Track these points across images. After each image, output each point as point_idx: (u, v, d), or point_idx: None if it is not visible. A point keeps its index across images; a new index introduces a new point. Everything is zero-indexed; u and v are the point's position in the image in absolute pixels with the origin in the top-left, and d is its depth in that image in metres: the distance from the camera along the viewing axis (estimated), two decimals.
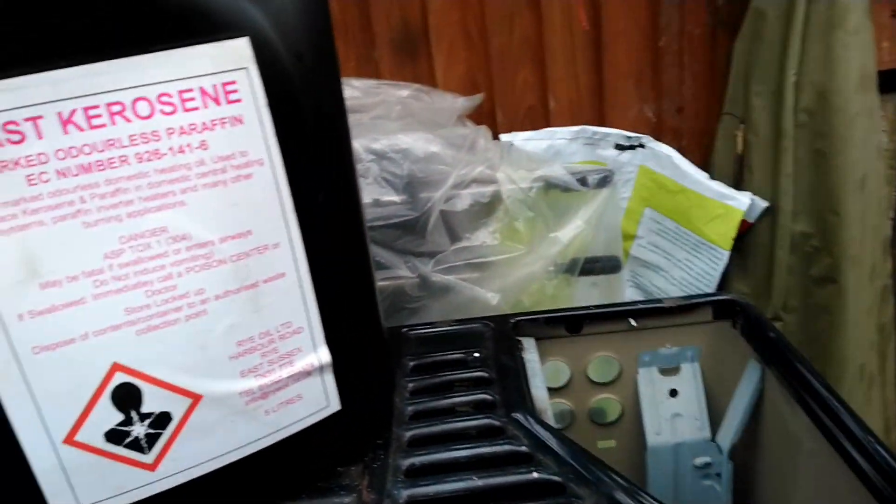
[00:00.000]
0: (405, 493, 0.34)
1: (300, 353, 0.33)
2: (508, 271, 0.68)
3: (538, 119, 0.93)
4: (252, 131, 0.30)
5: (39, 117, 0.26)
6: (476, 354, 0.46)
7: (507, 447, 0.36)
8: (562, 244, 0.69)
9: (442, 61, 0.89)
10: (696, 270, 0.87)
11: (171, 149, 0.28)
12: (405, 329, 0.50)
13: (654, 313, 0.52)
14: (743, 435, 0.49)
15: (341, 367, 0.34)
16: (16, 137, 0.26)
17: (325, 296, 0.33)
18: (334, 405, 0.34)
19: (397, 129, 0.71)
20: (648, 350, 0.53)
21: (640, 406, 0.54)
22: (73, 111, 0.26)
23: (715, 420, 0.53)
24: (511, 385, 0.42)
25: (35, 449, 0.28)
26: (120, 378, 0.28)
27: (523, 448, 0.36)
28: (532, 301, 0.72)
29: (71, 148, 0.26)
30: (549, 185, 0.70)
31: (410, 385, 0.43)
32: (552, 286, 0.71)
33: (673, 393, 0.54)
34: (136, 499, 0.30)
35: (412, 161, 0.67)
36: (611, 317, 0.52)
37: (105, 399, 0.28)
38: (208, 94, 0.29)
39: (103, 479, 0.29)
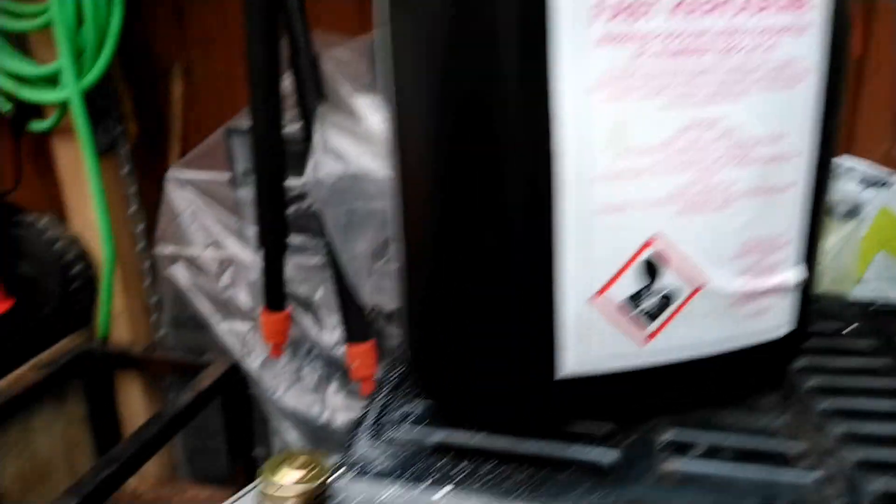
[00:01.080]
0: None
1: (783, 266, 0.34)
2: None
3: None
4: (811, 41, 0.31)
5: None
6: None
7: None
8: None
9: None
10: None
11: (745, 47, 0.31)
12: None
13: None
14: None
15: (805, 287, 0.35)
16: (642, 10, 0.29)
17: (814, 214, 0.34)
18: (791, 324, 0.36)
19: None
20: None
21: None
22: None
23: None
24: None
25: (566, 300, 0.31)
26: (653, 249, 0.31)
27: None
28: None
29: (671, 34, 0.29)
30: None
31: None
32: None
33: None
34: (621, 367, 0.33)
35: None
36: None
37: (637, 265, 0.31)
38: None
39: (604, 342, 0.32)
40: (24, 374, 0.90)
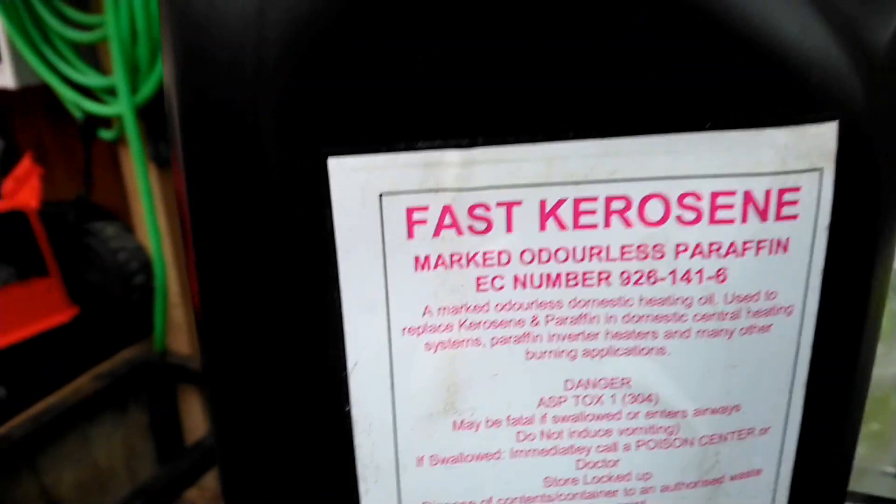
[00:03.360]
0: None
1: None
2: None
3: None
4: (793, 265, 0.20)
5: (517, 203, 0.19)
6: None
7: None
8: None
9: None
10: None
11: (672, 272, 0.19)
12: None
13: None
14: None
15: None
16: (481, 226, 0.19)
17: None
18: None
19: None
20: None
21: None
22: (562, 202, 0.19)
23: None
24: None
25: None
26: None
27: None
28: (867, 410, 0.58)
29: (542, 250, 0.19)
30: None
31: None
32: None
33: None
34: None
35: None
36: None
37: None
38: (755, 202, 0.19)
39: None
40: (84, 383, 0.94)
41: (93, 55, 0.93)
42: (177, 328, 1.03)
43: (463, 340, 0.20)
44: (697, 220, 0.19)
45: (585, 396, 0.20)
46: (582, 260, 0.19)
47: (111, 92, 0.90)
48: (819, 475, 0.24)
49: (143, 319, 1.01)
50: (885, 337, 0.58)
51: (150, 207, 0.92)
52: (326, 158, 0.17)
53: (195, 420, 1.08)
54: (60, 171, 1.07)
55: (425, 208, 0.18)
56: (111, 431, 0.99)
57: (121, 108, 0.87)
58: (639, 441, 0.21)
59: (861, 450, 0.62)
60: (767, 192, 0.19)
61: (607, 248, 0.19)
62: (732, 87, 0.18)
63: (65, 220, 0.98)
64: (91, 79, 0.91)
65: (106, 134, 0.96)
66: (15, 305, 0.93)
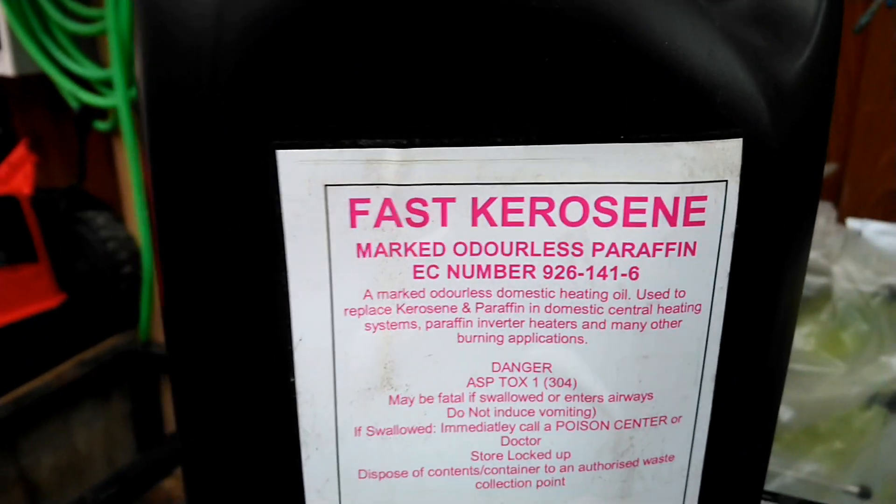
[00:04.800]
0: None
1: None
2: (813, 386, 0.59)
3: (894, 209, 0.74)
4: (701, 266, 0.22)
5: (451, 200, 0.21)
6: None
7: None
8: (893, 373, 0.57)
9: None
10: None
11: (590, 269, 0.22)
12: None
13: None
14: None
15: None
16: (418, 219, 0.21)
17: (711, 494, 0.25)
18: None
19: None
20: None
21: None
22: (492, 200, 0.21)
23: None
24: None
25: None
26: None
27: None
28: (830, 429, 0.61)
29: (474, 243, 0.21)
30: None
31: None
32: (862, 419, 0.59)
33: None
34: None
35: None
36: None
37: None
38: (665, 208, 0.21)
39: None
40: (67, 369, 0.96)
41: (92, 47, 0.95)
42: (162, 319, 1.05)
43: (400, 323, 0.22)
44: (612, 222, 0.21)
45: (511, 378, 0.23)
46: (509, 254, 0.21)
47: (108, 84, 0.92)
48: (733, 466, 0.26)
49: (130, 309, 1.03)
50: (846, 357, 0.60)
51: (140, 198, 0.94)
52: (276, 151, 0.19)
53: None
54: (55, 159, 1.09)
55: (367, 200, 0.20)
56: (92, 418, 1.00)
57: (116, 100, 0.89)
58: (559, 422, 0.23)
59: (824, 468, 0.64)
60: (676, 200, 0.21)
61: (532, 244, 0.21)
62: (645, 104, 0.20)
63: (56, 207, 1.00)
64: (89, 70, 0.93)
65: (101, 125, 0.98)
66: (3, 290, 0.95)
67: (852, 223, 0.73)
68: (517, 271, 0.22)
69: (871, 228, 0.73)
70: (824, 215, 0.66)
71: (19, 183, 0.94)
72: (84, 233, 1.01)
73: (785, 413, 0.60)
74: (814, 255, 0.60)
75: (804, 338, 0.61)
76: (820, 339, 0.61)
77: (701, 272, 0.22)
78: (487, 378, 0.23)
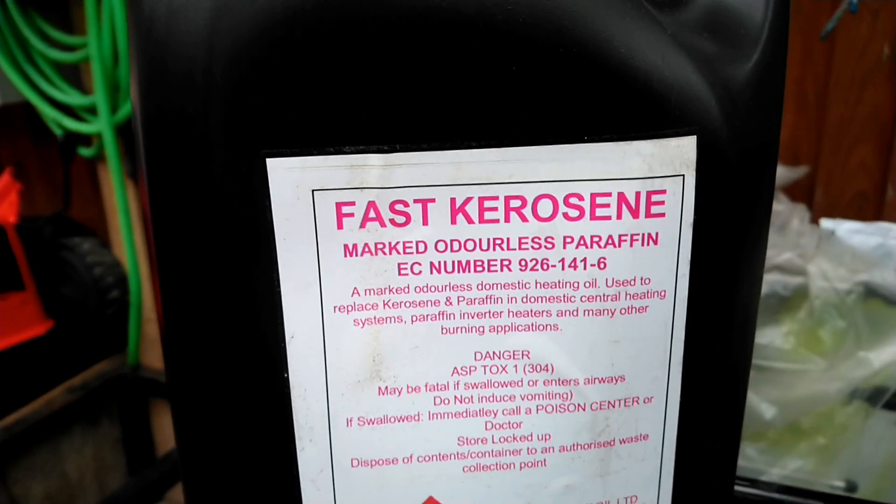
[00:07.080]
0: None
1: None
2: (794, 384, 0.60)
3: (867, 209, 0.77)
4: (664, 255, 0.24)
5: (431, 200, 0.23)
6: None
7: None
8: (871, 368, 0.59)
9: None
10: None
11: (562, 260, 0.23)
12: None
13: None
14: None
15: None
16: (401, 219, 0.23)
17: (685, 471, 0.27)
18: None
19: None
20: None
21: None
22: (469, 199, 0.23)
23: None
24: None
25: None
26: None
27: None
28: (812, 425, 0.63)
29: (454, 241, 0.23)
30: (872, 293, 0.60)
31: None
32: (844, 414, 0.61)
33: None
34: None
35: None
36: None
37: None
38: (628, 202, 0.23)
39: None
40: (56, 396, 0.96)
41: (75, 74, 0.97)
42: (150, 342, 1.06)
43: (386, 318, 0.23)
44: (580, 216, 0.23)
45: (492, 366, 0.24)
46: (487, 249, 0.23)
47: (92, 110, 0.93)
48: (705, 445, 0.27)
49: (118, 333, 1.04)
50: (825, 354, 0.62)
51: (126, 223, 0.95)
52: (266, 159, 0.21)
53: (167, 434, 1.10)
54: (40, 187, 1.10)
55: (352, 203, 0.22)
56: (82, 444, 1.00)
57: (100, 126, 0.91)
58: (538, 406, 0.25)
59: (807, 464, 0.65)
60: (637, 194, 0.23)
61: (507, 240, 0.23)
62: (606, 107, 0.22)
63: (42, 234, 1.00)
64: (72, 97, 0.94)
65: (86, 151, 0.99)
66: None
67: (826, 223, 0.76)
68: (495, 265, 0.23)
69: (844, 228, 0.76)
70: (798, 216, 0.68)
71: (4, 211, 0.95)
72: (70, 259, 1.02)
73: (768, 411, 0.61)
74: (789, 256, 0.62)
75: (783, 336, 0.63)
76: (799, 337, 0.63)
77: (664, 260, 0.24)
78: (471, 367, 0.24)
